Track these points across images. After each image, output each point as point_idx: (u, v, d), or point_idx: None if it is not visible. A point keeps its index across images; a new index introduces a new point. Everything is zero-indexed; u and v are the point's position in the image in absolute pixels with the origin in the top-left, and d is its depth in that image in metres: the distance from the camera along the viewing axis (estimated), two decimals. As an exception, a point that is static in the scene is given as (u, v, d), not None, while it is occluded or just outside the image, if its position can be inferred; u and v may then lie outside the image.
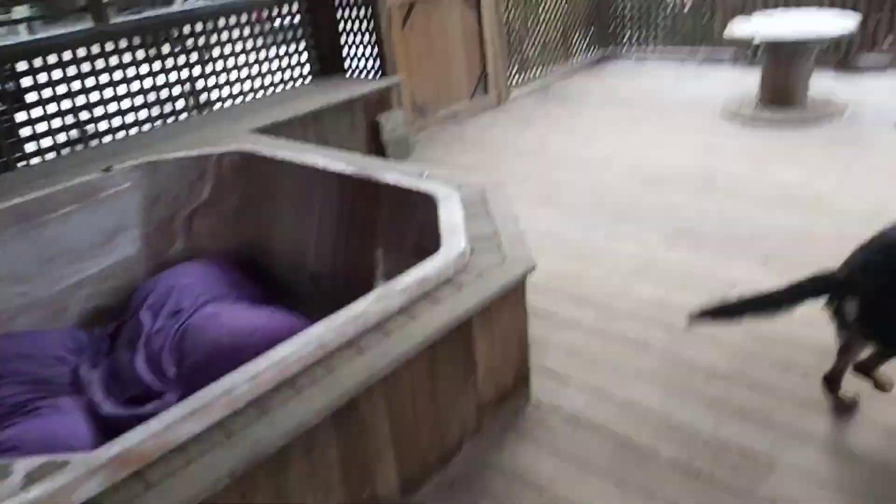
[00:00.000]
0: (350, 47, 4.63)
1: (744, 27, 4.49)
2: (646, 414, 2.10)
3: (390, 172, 2.70)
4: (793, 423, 2.00)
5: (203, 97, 4.12)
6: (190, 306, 2.61)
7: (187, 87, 4.03)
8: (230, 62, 4.18)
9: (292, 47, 4.51)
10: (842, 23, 4.25)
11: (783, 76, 4.43)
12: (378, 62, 4.55)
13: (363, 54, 4.59)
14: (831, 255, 1.97)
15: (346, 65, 4.69)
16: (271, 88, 4.41)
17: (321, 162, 2.89)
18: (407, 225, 2.61)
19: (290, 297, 3.01)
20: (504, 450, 2.02)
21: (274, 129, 3.66)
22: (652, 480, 1.86)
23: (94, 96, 3.63)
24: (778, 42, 4.27)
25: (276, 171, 3.10)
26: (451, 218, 2.22)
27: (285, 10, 4.43)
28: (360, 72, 4.65)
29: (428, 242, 2.50)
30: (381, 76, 4.53)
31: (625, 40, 6.51)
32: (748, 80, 5.39)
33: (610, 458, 1.95)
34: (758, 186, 3.53)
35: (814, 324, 2.08)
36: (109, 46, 3.68)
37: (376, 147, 4.45)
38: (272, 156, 3.12)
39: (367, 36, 4.52)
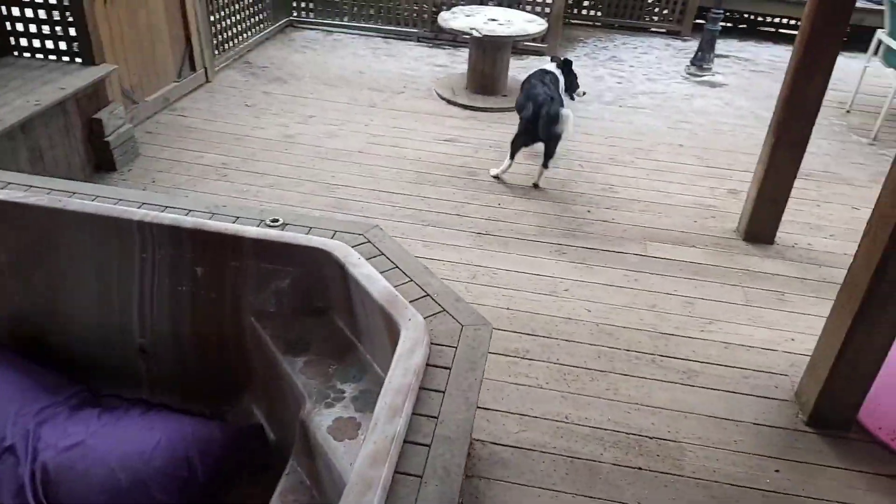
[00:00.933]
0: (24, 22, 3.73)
1: (460, 21, 4.90)
2: (570, 427, 2.39)
3: (248, 225, 2.39)
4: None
5: None
6: (15, 440, 1.98)
7: None
8: None
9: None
10: (531, 26, 4.96)
11: (490, 67, 5.01)
12: (77, 43, 3.74)
13: (48, 31, 3.74)
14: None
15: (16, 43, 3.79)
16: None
17: (137, 214, 2.39)
18: (284, 283, 2.39)
19: (102, 378, 2.50)
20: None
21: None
22: (611, 485, 2.19)
23: None
24: (490, 37, 4.79)
25: (49, 223, 2.43)
26: (376, 285, 2.12)
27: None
28: (47, 54, 3.80)
29: (321, 300, 2.35)
30: (86, 61, 3.74)
31: (304, 8, 6.42)
32: (441, 60, 5.93)
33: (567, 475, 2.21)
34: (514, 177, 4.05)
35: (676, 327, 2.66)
36: None
37: (97, 151, 3.72)
38: (40, 204, 2.43)
39: (53, 10, 3.68)
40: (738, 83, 5.95)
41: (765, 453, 2.34)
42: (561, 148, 3.96)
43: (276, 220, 2.48)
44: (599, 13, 7.21)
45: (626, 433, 2.38)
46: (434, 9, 6.08)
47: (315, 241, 2.33)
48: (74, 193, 2.50)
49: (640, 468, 2.26)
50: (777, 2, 7.04)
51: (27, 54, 3.86)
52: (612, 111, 5.16)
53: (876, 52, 5.25)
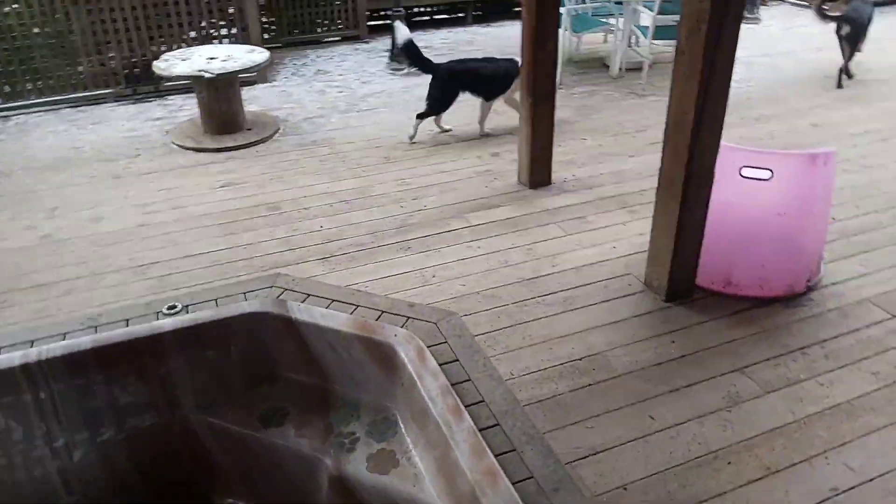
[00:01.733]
0: None
1: (182, 67, 4.65)
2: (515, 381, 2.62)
3: (145, 323, 2.15)
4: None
5: None
6: None
7: None
8: None
9: None
10: (254, 56, 4.94)
11: (227, 104, 4.88)
12: None
13: None
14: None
15: None
16: None
17: (16, 358, 1.99)
18: (223, 363, 2.22)
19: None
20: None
21: None
22: (581, 406, 2.45)
23: None
24: (222, 74, 4.65)
25: None
26: (337, 320, 2.12)
27: None
28: None
29: (266, 365, 2.24)
30: None
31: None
32: (157, 113, 5.56)
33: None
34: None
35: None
36: None
37: None
38: None
39: None
40: (434, 67, 6.64)
41: (656, 334, 2.89)
42: (341, 161, 4.12)
43: (174, 307, 2.28)
44: (274, 33, 7.30)
45: (563, 364, 2.73)
46: (128, 64, 5.62)
47: (243, 307, 2.21)
48: None
49: (589, 384, 2.62)
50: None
51: None
52: (354, 117, 5.42)
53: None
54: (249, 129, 5.02)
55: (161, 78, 5.05)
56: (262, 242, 3.63)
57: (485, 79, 4.94)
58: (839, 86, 5.88)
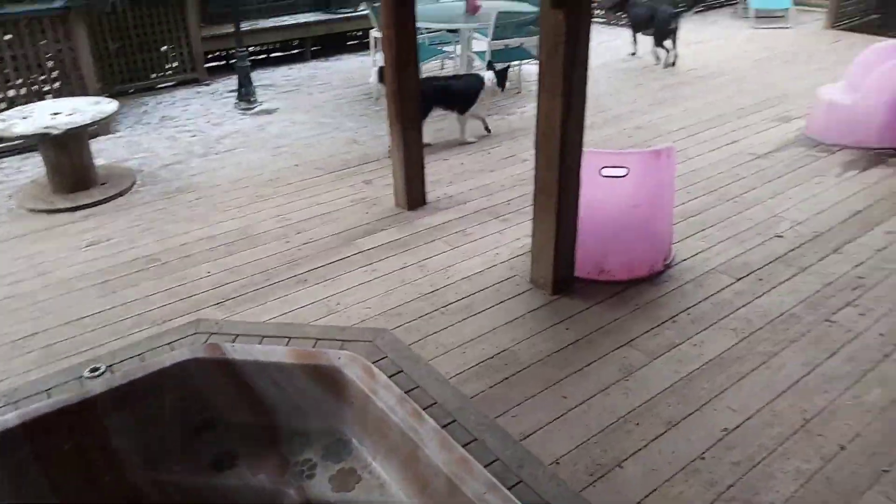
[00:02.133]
0: None
1: (23, 126, 4.36)
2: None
3: (68, 391, 2.09)
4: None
5: None
6: None
7: None
8: None
9: None
10: (102, 107, 4.74)
11: (78, 159, 4.63)
12: None
13: None
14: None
15: None
16: None
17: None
18: (161, 417, 2.19)
19: None
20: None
21: None
22: (497, 400, 2.68)
23: None
24: (71, 129, 4.41)
25: None
26: (276, 354, 2.18)
27: None
28: None
29: (204, 411, 2.24)
30: None
31: None
32: (-9, 178, 5.14)
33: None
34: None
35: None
36: None
37: None
38: None
39: None
40: (283, 104, 6.69)
41: (551, 324, 3.20)
42: (212, 205, 4.09)
43: (97, 368, 2.22)
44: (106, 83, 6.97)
45: (478, 365, 2.92)
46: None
47: (174, 356, 2.20)
48: None
49: (505, 378, 2.85)
50: (269, 32, 7.97)
51: None
52: (214, 160, 5.34)
53: (376, 46, 6.59)
54: (104, 184, 4.79)
55: (4, 139, 4.68)
56: (149, 296, 3.52)
57: (456, 94, 5.18)
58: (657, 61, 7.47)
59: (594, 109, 6.18)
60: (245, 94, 6.50)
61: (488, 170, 5.01)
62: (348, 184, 4.85)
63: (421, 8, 6.22)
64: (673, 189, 3.63)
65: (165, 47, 7.14)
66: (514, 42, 6.29)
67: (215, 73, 7.76)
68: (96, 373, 2.12)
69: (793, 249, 3.78)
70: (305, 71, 7.99)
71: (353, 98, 6.89)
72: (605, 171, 3.33)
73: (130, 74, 7.01)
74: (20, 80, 5.48)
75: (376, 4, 6.69)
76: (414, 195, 4.37)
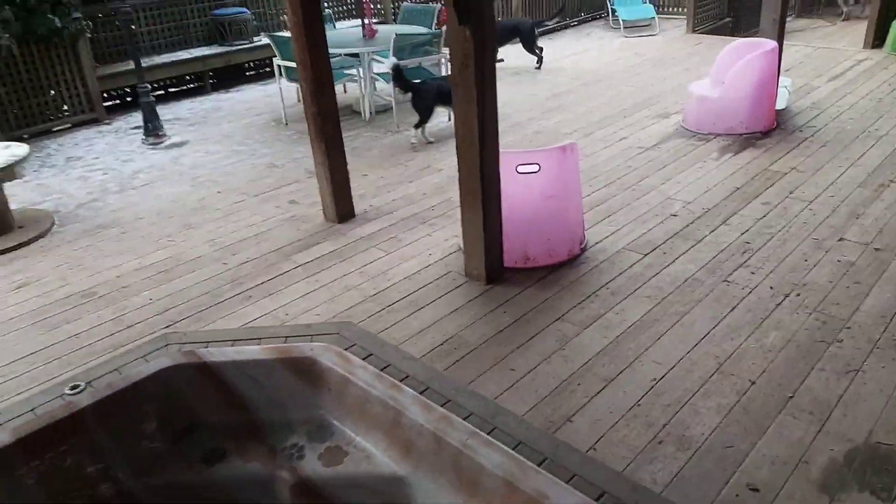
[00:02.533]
0: None
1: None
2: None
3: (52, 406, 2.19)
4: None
5: None
6: None
7: None
8: None
9: None
10: (13, 150, 4.66)
11: (-9, 207, 4.53)
12: None
13: None
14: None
15: None
16: None
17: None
18: (148, 424, 2.31)
19: None
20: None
21: None
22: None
23: None
24: None
25: None
26: (250, 353, 2.36)
27: None
28: None
29: (186, 416, 2.37)
30: None
31: None
32: None
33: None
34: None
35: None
36: None
37: None
38: None
39: None
40: (192, 136, 6.72)
41: (490, 310, 3.50)
42: (140, 237, 4.15)
43: (77, 385, 2.32)
44: None
45: (431, 352, 3.18)
46: None
47: (154, 365, 2.33)
48: None
49: (457, 360, 3.11)
50: (167, 68, 7.94)
51: None
52: (133, 195, 5.33)
53: (281, 74, 6.75)
54: (21, 227, 4.70)
55: None
56: (93, 328, 3.54)
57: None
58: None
59: (509, 118, 6.66)
60: (153, 129, 6.48)
61: (408, 181, 5.29)
62: (274, 205, 5.00)
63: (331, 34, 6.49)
64: (579, 180, 4.05)
65: (52, 91, 6.96)
66: (412, 63, 6.63)
67: (113, 111, 7.66)
68: (76, 390, 2.21)
69: (687, 225, 4.28)
70: (208, 103, 8.01)
71: (262, 125, 7.01)
72: (521, 168, 3.70)
73: (26, 119, 6.81)
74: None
75: (276, 34, 6.88)
76: (342, 208, 4.59)
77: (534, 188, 3.77)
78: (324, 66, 4.21)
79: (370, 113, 6.94)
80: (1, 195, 4.63)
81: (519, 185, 3.74)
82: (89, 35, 7.11)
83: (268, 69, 9.11)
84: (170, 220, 4.83)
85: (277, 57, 6.64)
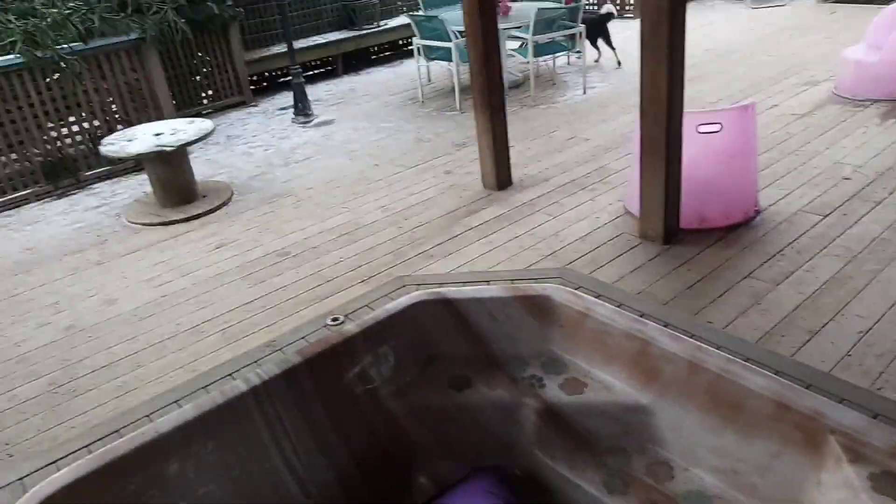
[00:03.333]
0: None
1: (135, 146, 4.68)
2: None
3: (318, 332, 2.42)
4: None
5: None
6: None
7: None
8: None
9: None
10: (200, 125, 5.08)
11: (182, 176, 4.95)
12: None
13: None
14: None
15: None
16: None
17: (245, 383, 2.17)
18: (400, 352, 2.52)
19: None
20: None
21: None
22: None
23: None
24: (182, 146, 4.73)
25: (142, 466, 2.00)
26: (491, 291, 2.52)
27: None
28: None
29: (429, 347, 2.56)
30: None
31: None
32: (91, 202, 5.44)
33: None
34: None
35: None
36: None
37: None
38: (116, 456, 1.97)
39: None
40: (337, 115, 7.05)
41: (673, 268, 3.55)
42: (315, 205, 4.42)
43: (337, 318, 2.54)
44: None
45: (622, 305, 3.28)
46: (44, 161, 5.42)
47: (404, 301, 2.53)
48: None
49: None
50: (307, 52, 8.33)
51: None
52: (297, 168, 5.68)
53: (419, 54, 6.98)
54: (205, 197, 5.11)
55: (120, 159, 5.00)
56: (294, 283, 3.84)
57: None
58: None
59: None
60: (302, 109, 6.85)
61: (556, 151, 5.39)
62: (431, 175, 5.21)
63: (449, 15, 6.65)
64: (757, 140, 4.02)
65: (198, 77, 7.43)
66: (545, 38, 6.70)
67: (259, 94, 8.11)
68: (337, 322, 2.45)
69: (863, 188, 4.17)
70: (342, 85, 8.35)
71: (399, 104, 7.26)
72: (702, 129, 3.72)
73: (183, 101, 7.33)
74: (106, 111, 5.78)
75: (417, 14, 7.10)
76: (502, 176, 4.74)
77: (714, 148, 3.78)
78: (492, 40, 4.35)
79: (506, 88, 7.05)
80: (189, 167, 5.04)
81: (698, 146, 3.76)
82: (240, 22, 7.56)
83: (387, 53, 9.43)
84: (338, 190, 5.12)
85: (417, 36, 6.86)
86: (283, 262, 4.11)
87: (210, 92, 7.60)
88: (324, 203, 4.91)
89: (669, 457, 2.19)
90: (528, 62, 6.78)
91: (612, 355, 2.31)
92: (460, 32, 6.77)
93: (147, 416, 2.11)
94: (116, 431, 2.05)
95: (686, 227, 3.88)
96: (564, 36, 6.93)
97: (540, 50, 6.66)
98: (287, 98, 7.82)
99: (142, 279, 4.10)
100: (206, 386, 2.18)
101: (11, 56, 5.22)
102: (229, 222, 4.77)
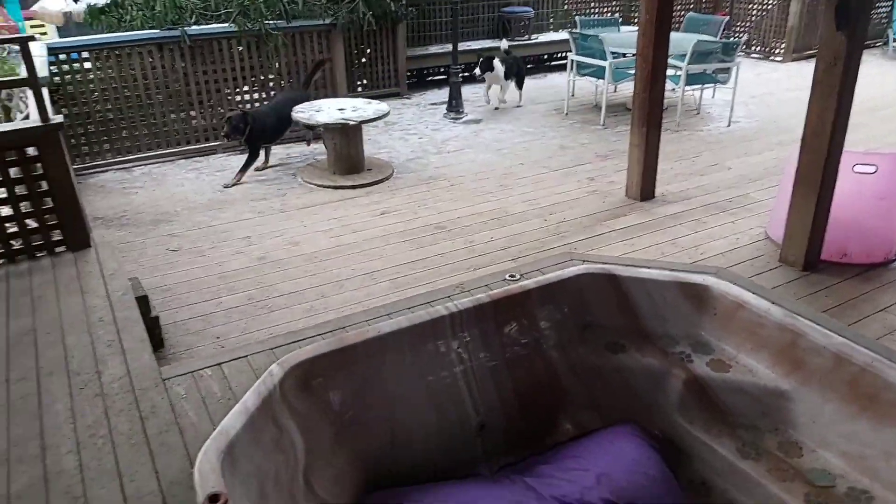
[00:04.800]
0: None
1: (323, 116, 5.33)
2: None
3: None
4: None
5: None
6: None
7: None
8: None
9: None
10: (377, 106, 5.68)
11: (355, 148, 5.56)
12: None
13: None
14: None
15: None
16: None
17: (445, 310, 2.62)
18: (564, 313, 2.90)
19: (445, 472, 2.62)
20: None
21: None
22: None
23: None
24: (343, 124, 5.33)
25: (370, 354, 2.47)
26: (654, 273, 2.87)
27: None
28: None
29: (588, 314, 2.91)
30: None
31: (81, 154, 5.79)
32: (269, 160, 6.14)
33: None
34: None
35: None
36: None
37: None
38: (358, 341, 2.46)
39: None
40: (483, 116, 7.55)
41: (811, 292, 3.76)
42: (466, 190, 4.89)
43: (514, 275, 2.95)
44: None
45: (757, 315, 3.53)
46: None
47: (573, 270, 2.90)
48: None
49: (785, 327, 3.44)
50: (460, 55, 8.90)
51: None
52: (449, 157, 6.19)
53: (571, 69, 7.38)
54: (369, 170, 5.69)
55: (309, 126, 5.68)
56: (450, 252, 4.31)
57: None
58: None
59: (778, 131, 6.75)
60: (455, 106, 7.40)
61: (699, 174, 5.63)
62: (574, 179, 5.58)
63: (608, 36, 6.99)
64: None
65: (364, 60, 8.10)
66: (698, 69, 6.93)
67: (413, 88, 8.75)
68: (514, 278, 2.86)
69: None
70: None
71: (544, 113, 7.67)
72: (857, 168, 3.91)
73: (352, 84, 8.04)
74: (293, 83, 6.52)
75: (575, 31, 7.50)
76: (646, 188, 5.05)
77: (866, 188, 3.96)
78: (661, 60, 4.68)
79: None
80: (361, 142, 5.64)
81: (851, 183, 3.94)
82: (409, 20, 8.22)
83: (530, 66, 9.84)
84: (486, 181, 5.58)
85: (572, 52, 7.26)
86: (440, 234, 4.60)
87: (364, 81, 8.26)
88: (474, 190, 5.37)
89: (801, 439, 2.46)
90: (674, 90, 7.03)
91: (762, 344, 2.59)
92: (615, 53, 7.14)
93: (366, 321, 2.59)
94: (343, 328, 2.55)
95: (826, 259, 4.06)
96: (715, 70, 7.13)
97: (691, 80, 6.90)
98: (437, 95, 8.42)
99: (318, 230, 4.69)
100: (411, 308, 2.64)
101: (226, 24, 6.02)
102: (391, 194, 5.32)
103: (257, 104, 6.43)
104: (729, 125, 6.97)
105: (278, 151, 6.38)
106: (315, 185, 5.46)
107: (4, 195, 3.06)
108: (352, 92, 8.01)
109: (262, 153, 5.79)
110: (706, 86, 7.43)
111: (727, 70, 7.07)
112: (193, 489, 1.75)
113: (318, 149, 6.25)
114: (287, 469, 2.04)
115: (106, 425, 2.07)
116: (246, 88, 6.51)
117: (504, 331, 2.72)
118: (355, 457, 2.37)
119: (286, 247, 4.43)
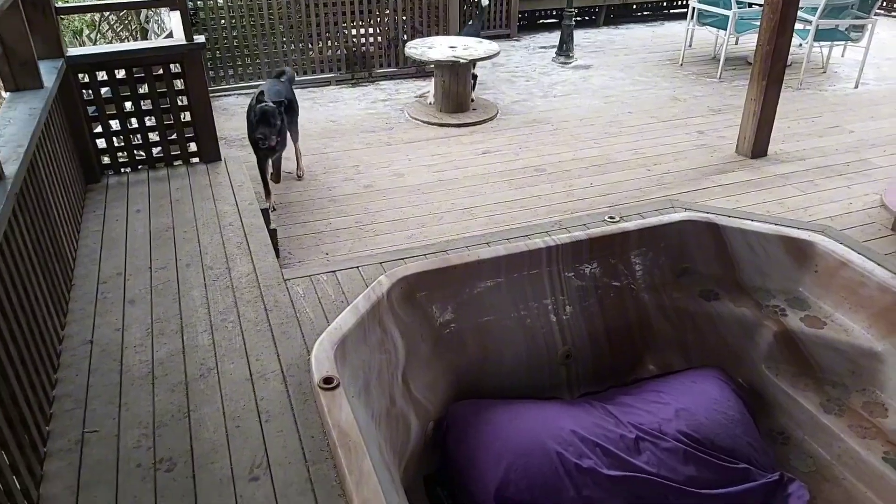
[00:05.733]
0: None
1: (435, 52, 5.44)
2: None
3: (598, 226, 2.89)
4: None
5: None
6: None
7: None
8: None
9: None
10: (487, 46, 5.72)
11: (462, 87, 5.65)
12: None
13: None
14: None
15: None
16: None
17: (543, 243, 2.73)
18: (661, 258, 2.95)
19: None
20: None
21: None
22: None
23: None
24: (453, 61, 5.41)
25: (469, 277, 2.64)
26: (761, 227, 2.85)
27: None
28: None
29: (686, 260, 2.96)
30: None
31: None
32: (379, 95, 6.34)
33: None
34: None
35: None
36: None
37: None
38: (458, 263, 2.62)
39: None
40: (594, 62, 7.42)
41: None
42: (569, 135, 4.87)
43: (613, 217, 3.01)
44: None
45: (862, 281, 3.44)
46: (349, 53, 6.41)
47: (674, 216, 2.94)
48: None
49: None
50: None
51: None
52: (555, 101, 6.18)
53: (692, 17, 7.09)
54: (474, 110, 5.78)
55: (420, 62, 5.83)
56: (549, 195, 4.38)
57: None
58: None
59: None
60: (565, 50, 7.31)
61: (816, 135, 5.38)
62: (683, 131, 5.46)
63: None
64: None
65: (486, 2, 8.09)
66: (829, 24, 6.49)
67: (523, 30, 8.67)
68: (613, 219, 2.93)
69: None
70: (601, 36, 8.66)
71: (657, 62, 7.45)
72: None
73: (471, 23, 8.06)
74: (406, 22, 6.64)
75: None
76: (759, 146, 4.89)
77: None
78: (791, 12, 4.46)
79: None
80: (469, 81, 5.72)
81: None
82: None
83: (647, 13, 9.49)
84: (591, 127, 5.56)
85: (695, -1, 6.97)
86: (540, 176, 4.67)
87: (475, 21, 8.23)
88: (578, 136, 5.37)
89: (888, 400, 2.45)
90: (800, 45, 6.64)
91: (861, 304, 2.57)
92: (740, 2, 6.81)
93: (466, 247, 2.75)
94: (444, 252, 2.72)
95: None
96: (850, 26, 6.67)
97: (821, 35, 6.49)
98: (547, 38, 8.31)
99: (422, 164, 4.86)
100: (509, 238, 2.78)
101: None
102: (494, 135, 5.41)
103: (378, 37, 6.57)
104: (856, 87, 6.55)
105: (388, 86, 6.56)
106: (421, 121, 5.62)
107: (149, 107, 3.39)
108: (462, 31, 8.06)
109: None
110: (836, 43, 6.97)
111: (861, 28, 6.60)
112: (310, 372, 1.99)
113: (425, 86, 6.38)
114: (389, 367, 2.25)
115: (235, 312, 2.35)
116: (361, 23, 6.68)
117: (599, 268, 2.81)
118: (449, 369, 2.56)
119: (391, 177, 4.64)
